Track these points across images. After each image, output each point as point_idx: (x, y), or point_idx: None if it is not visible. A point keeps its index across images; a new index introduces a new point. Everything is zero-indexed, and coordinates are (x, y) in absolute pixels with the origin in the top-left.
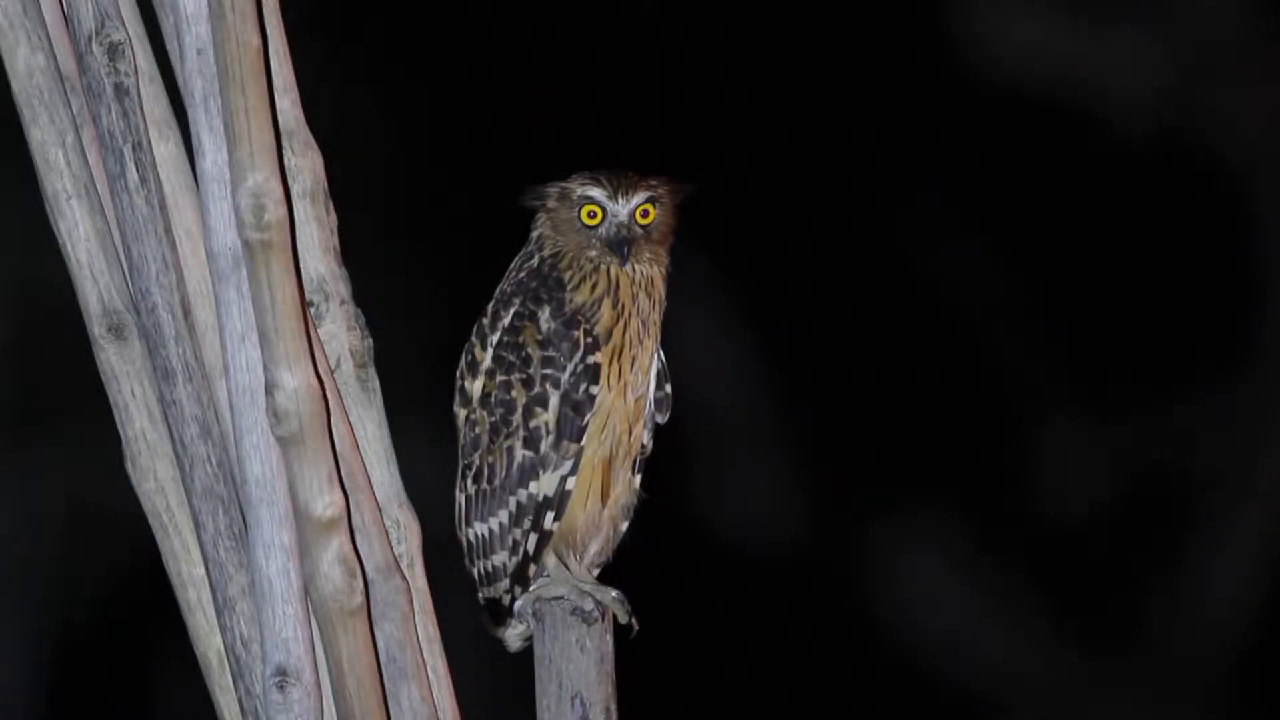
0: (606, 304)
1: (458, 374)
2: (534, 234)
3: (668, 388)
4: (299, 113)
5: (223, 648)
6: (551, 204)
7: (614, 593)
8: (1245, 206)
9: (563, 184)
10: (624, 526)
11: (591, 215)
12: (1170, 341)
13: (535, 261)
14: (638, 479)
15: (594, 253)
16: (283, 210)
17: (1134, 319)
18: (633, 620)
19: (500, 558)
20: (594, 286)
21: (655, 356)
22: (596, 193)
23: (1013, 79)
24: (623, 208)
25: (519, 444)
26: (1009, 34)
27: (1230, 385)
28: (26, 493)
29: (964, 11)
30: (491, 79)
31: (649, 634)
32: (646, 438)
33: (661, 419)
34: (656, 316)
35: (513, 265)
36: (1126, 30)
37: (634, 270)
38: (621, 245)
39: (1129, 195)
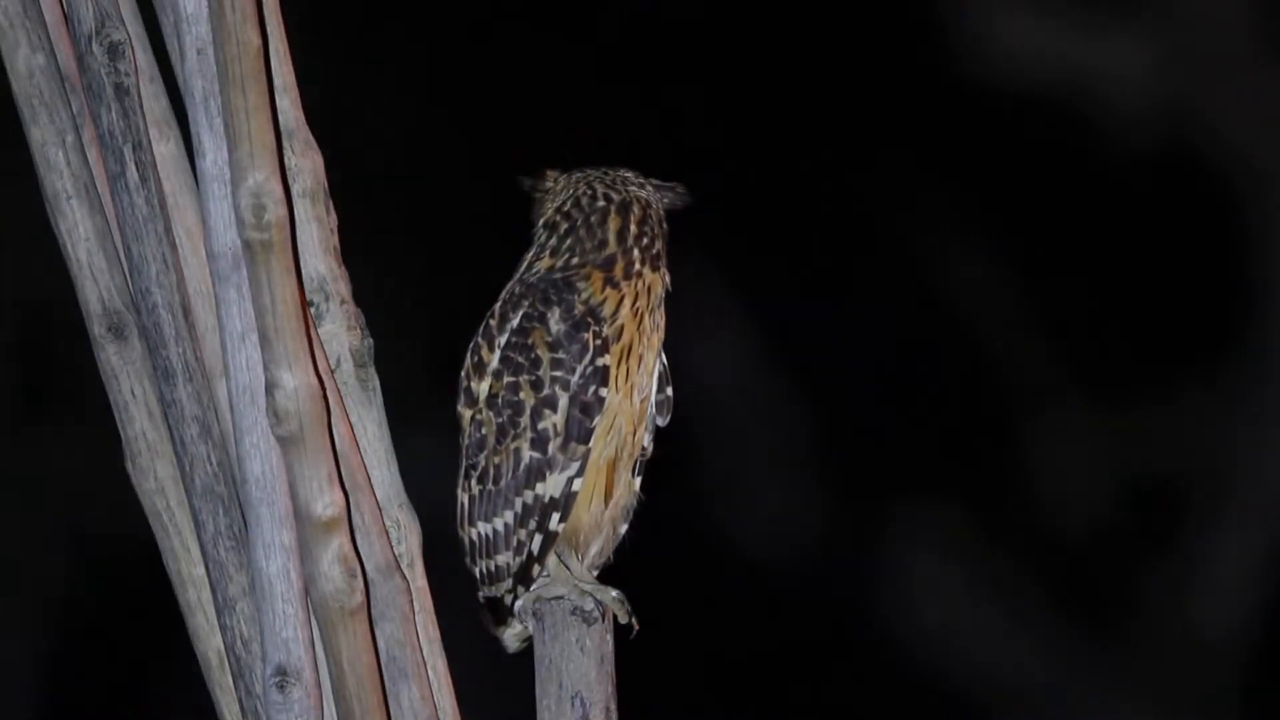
0: (625, 304)
1: (463, 374)
2: (557, 233)
3: (669, 391)
4: (299, 113)
5: (223, 648)
6: (616, 219)
7: (614, 593)
8: (1245, 207)
9: (634, 189)
10: (623, 528)
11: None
12: (1170, 341)
13: (551, 261)
14: (638, 481)
15: (652, 264)
16: (283, 210)
17: (1134, 319)
18: (633, 620)
19: (504, 558)
20: (623, 290)
21: (658, 358)
22: (645, 195)
23: (1012, 79)
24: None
25: (526, 445)
26: (1009, 35)
27: (1230, 385)
28: (27, 493)
29: (964, 12)
30: (491, 78)
31: (649, 634)
32: (647, 440)
33: (662, 422)
34: (661, 317)
35: (521, 266)
36: (1126, 31)
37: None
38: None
39: (1128, 195)
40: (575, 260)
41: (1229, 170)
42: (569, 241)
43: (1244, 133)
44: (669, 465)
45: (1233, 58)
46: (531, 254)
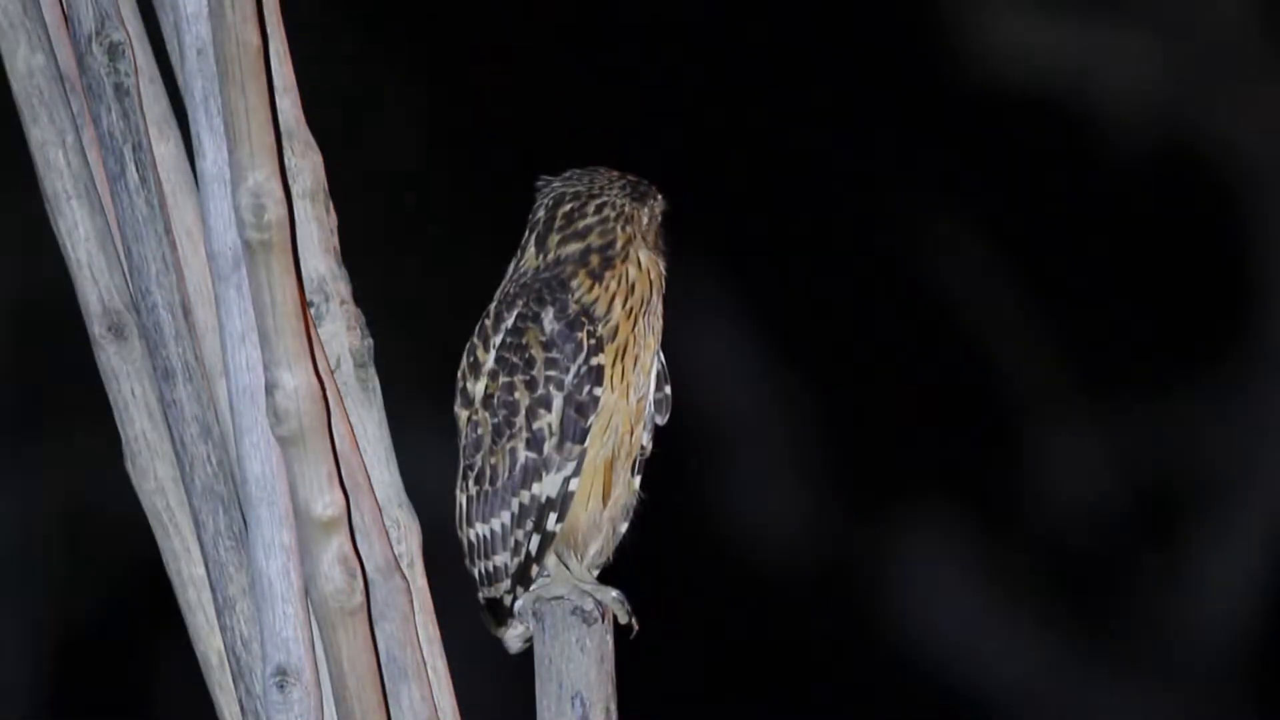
0: (617, 303)
1: (459, 375)
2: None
3: (667, 389)
4: (299, 113)
5: (223, 648)
6: (643, 209)
7: (614, 593)
8: (1245, 206)
9: (641, 189)
10: (623, 527)
11: (653, 219)
12: (1171, 341)
13: (537, 261)
14: (637, 480)
15: (648, 253)
16: (283, 210)
17: (1135, 319)
18: (633, 620)
19: (502, 558)
20: (608, 286)
21: (656, 357)
22: (658, 194)
23: (1013, 79)
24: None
25: (522, 445)
26: (1009, 35)
27: (1230, 385)
28: (26, 493)
29: (965, 13)
30: (491, 78)
31: (649, 634)
32: (646, 439)
33: (661, 420)
34: (658, 317)
35: (512, 266)
36: (1127, 30)
37: (648, 269)
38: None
39: (1129, 195)
40: (551, 257)
41: (1228, 170)
42: (551, 239)
43: (1243, 133)
44: (669, 464)
45: (1232, 58)
46: (520, 254)
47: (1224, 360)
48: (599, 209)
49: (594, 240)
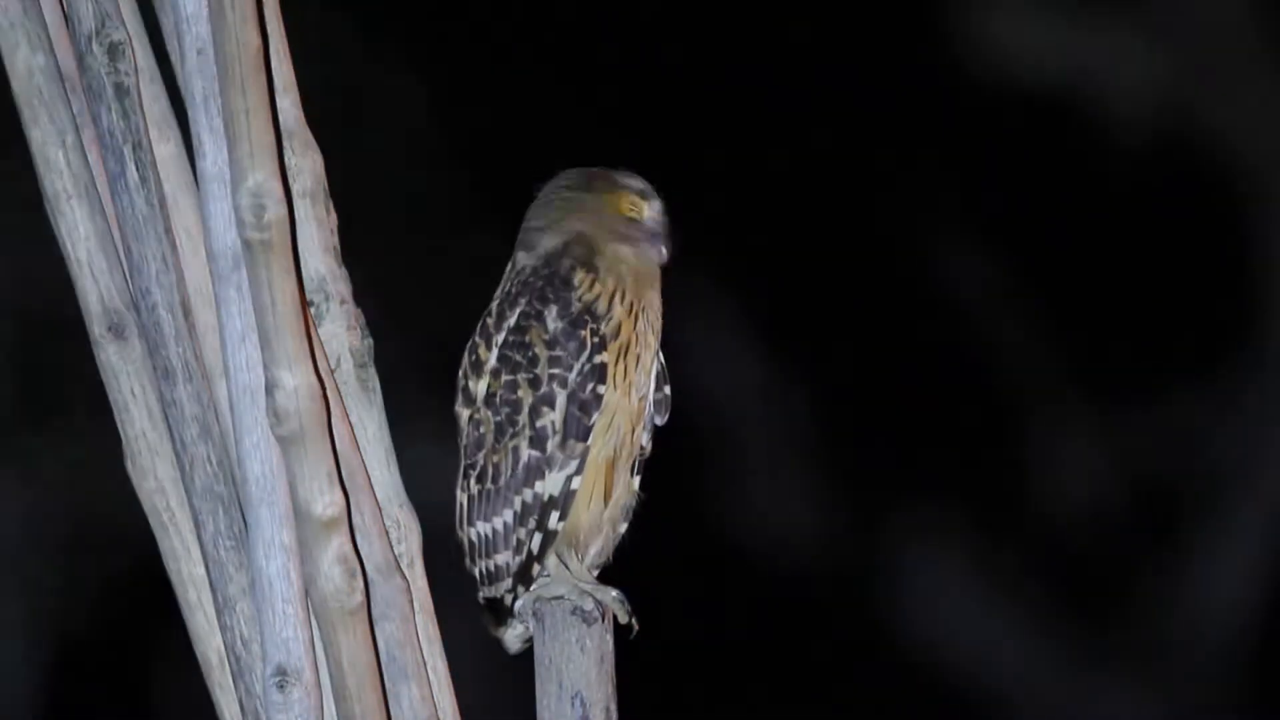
0: (618, 301)
1: (461, 373)
2: (539, 232)
3: (667, 389)
4: (299, 113)
5: (223, 648)
6: (587, 194)
7: (614, 592)
8: (1246, 205)
9: (597, 172)
10: (623, 528)
11: (633, 207)
12: (1172, 341)
13: (543, 259)
14: (636, 480)
15: (631, 247)
16: (283, 210)
17: (1135, 318)
18: (633, 620)
19: (503, 557)
20: (606, 284)
21: (656, 357)
22: (637, 185)
23: (1013, 79)
24: (656, 201)
25: (525, 444)
26: (1009, 35)
27: (1231, 384)
28: (26, 493)
29: (966, 12)
30: (492, 78)
31: (649, 634)
32: (645, 439)
33: (660, 421)
34: (658, 316)
35: (515, 266)
36: (1127, 30)
37: (645, 268)
38: (666, 238)
39: (1130, 194)
40: (540, 251)
41: (1229, 170)
42: (531, 237)
43: (1244, 133)
44: (669, 465)
45: (1233, 57)
46: (519, 253)
47: (1225, 360)
48: (564, 201)
49: (568, 228)
